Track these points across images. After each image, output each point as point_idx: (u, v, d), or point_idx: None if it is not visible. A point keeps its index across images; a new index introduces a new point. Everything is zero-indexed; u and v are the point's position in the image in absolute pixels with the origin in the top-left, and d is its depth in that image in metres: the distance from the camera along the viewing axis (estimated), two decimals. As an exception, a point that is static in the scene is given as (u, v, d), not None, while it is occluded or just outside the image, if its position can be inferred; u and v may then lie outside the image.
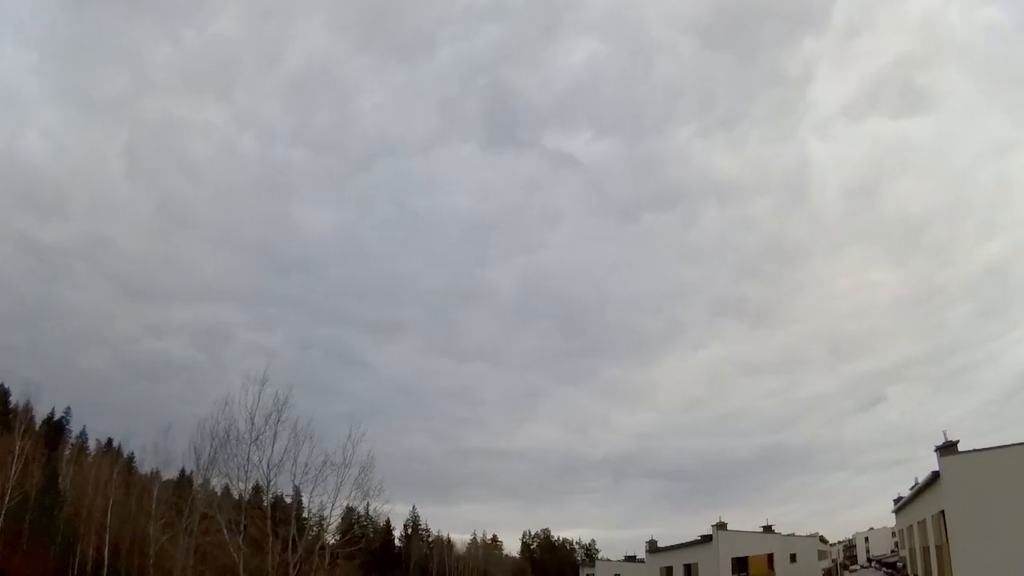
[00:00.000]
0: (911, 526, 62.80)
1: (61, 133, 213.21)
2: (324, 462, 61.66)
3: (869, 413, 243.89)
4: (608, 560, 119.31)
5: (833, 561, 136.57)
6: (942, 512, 45.38)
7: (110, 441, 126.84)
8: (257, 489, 62.31)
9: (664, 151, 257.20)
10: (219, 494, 64.45)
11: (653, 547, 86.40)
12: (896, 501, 76.17)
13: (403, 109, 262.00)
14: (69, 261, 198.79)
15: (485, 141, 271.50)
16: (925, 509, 51.53)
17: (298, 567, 57.47)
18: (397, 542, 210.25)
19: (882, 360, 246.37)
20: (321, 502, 63.06)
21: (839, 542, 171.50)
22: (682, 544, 77.41)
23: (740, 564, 69.62)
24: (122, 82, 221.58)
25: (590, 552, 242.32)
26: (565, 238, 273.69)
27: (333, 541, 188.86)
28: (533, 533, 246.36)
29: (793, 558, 75.05)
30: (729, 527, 70.85)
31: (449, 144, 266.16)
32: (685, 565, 75.96)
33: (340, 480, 60.93)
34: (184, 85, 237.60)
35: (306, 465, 59.67)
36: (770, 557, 71.39)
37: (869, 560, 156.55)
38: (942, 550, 46.46)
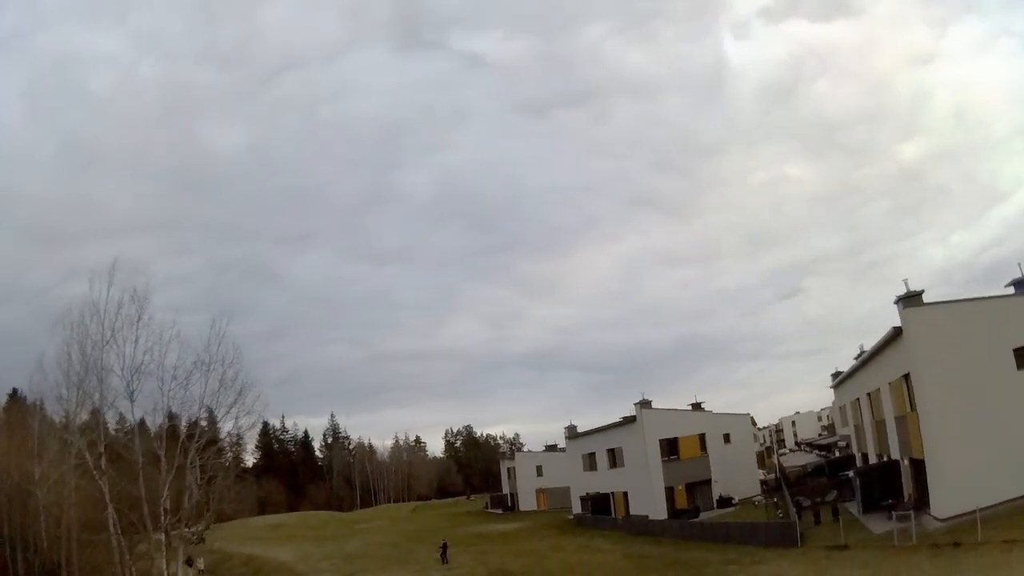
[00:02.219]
0: (857, 400, 56.59)
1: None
2: (195, 363, 50.89)
3: (787, 304, 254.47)
4: (528, 451, 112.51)
5: (761, 445, 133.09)
6: (906, 376, 38.37)
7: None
8: (171, 416, 52.01)
9: (576, 49, 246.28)
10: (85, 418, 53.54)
11: (573, 433, 79.41)
12: (835, 376, 70.48)
13: (308, 17, 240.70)
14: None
15: (394, 44, 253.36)
16: (880, 376, 44.55)
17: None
18: (318, 453, 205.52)
19: (799, 253, 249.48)
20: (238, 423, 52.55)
21: (764, 427, 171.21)
22: (604, 427, 70.25)
23: (669, 446, 62.74)
24: (11, 20, 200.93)
25: (514, 446, 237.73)
26: (476, 137, 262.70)
27: (253, 460, 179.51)
28: (456, 431, 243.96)
29: (727, 439, 68.52)
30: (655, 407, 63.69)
31: (357, 50, 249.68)
32: (609, 450, 69.03)
33: (206, 383, 50.01)
34: (79, 15, 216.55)
35: (175, 369, 49.13)
36: (702, 437, 64.63)
37: (798, 444, 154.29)
38: (906, 421, 39.42)
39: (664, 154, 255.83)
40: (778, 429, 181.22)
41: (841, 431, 76.33)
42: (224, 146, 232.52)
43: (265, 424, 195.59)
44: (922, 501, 36.30)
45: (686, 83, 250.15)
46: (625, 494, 65.69)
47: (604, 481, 70.03)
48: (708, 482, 63.55)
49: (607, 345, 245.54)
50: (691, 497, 62.46)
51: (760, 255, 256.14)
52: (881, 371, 43.81)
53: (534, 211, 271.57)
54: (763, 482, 73.07)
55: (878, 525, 37.56)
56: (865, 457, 55.11)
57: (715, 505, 62.43)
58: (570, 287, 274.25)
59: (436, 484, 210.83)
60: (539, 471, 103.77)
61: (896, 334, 37.58)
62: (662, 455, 61.84)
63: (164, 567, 46.80)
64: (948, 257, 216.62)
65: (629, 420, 64.31)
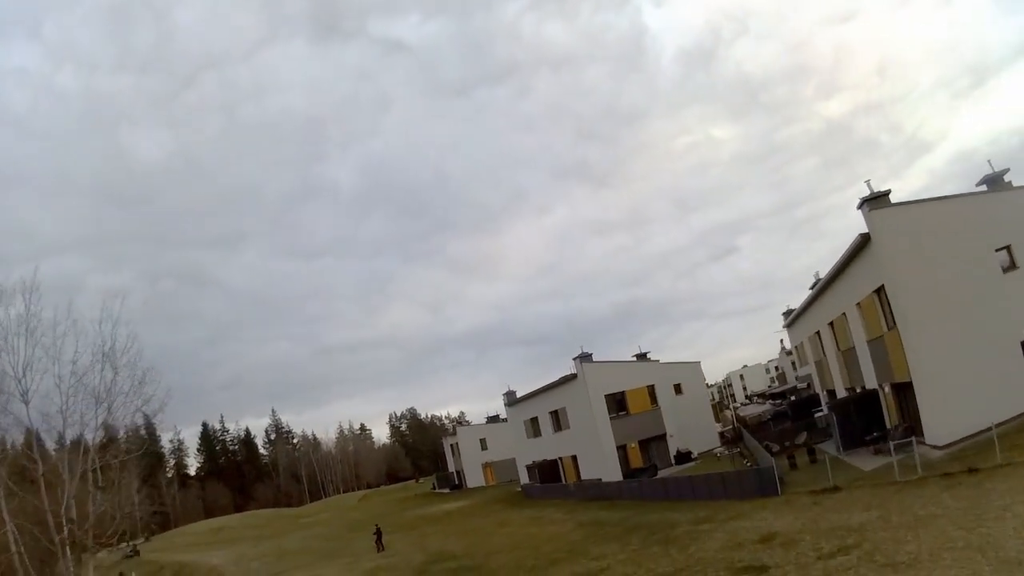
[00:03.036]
0: (817, 334, 51.73)
1: None
2: (102, 355, 44.56)
3: (722, 264, 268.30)
4: (469, 424, 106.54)
5: (712, 402, 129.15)
6: (878, 291, 33.03)
7: None
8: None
9: (494, 26, 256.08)
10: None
11: (512, 399, 73.29)
12: (786, 315, 65.91)
13: (224, 16, 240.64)
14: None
15: (311, 36, 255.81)
16: (844, 298, 39.40)
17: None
18: (263, 451, 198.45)
19: (729, 212, 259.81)
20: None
21: (713, 384, 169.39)
22: (544, 388, 64.14)
23: (617, 402, 56.98)
24: None
25: (460, 423, 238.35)
26: (399, 123, 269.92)
27: (198, 465, 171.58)
28: (399, 414, 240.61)
29: (678, 389, 63.35)
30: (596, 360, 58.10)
31: (275, 45, 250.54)
32: (551, 412, 63.16)
33: (101, 371, 43.58)
34: None
35: (73, 364, 42.80)
36: (651, 389, 58.79)
37: (748, 397, 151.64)
38: (883, 343, 34.22)
39: (588, 124, 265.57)
40: (727, 385, 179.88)
41: (801, 372, 71.58)
42: (148, 154, 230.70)
43: (205, 427, 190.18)
44: (912, 430, 31.00)
45: (606, 53, 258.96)
46: (574, 458, 59.98)
47: (550, 447, 64.27)
48: (663, 437, 57.99)
49: (546, 317, 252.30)
50: (646, 455, 56.83)
51: (691, 217, 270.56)
52: (847, 292, 38.56)
53: (462, 191, 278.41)
54: (721, 434, 68.30)
55: (866, 462, 32.26)
56: (832, 394, 50.34)
57: (673, 461, 56.98)
58: (504, 263, 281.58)
59: (385, 470, 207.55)
60: (483, 444, 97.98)
61: (863, 242, 32.24)
62: (609, 412, 56.11)
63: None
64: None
65: (570, 378, 58.41)
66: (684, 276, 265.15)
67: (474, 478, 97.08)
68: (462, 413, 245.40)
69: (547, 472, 63.30)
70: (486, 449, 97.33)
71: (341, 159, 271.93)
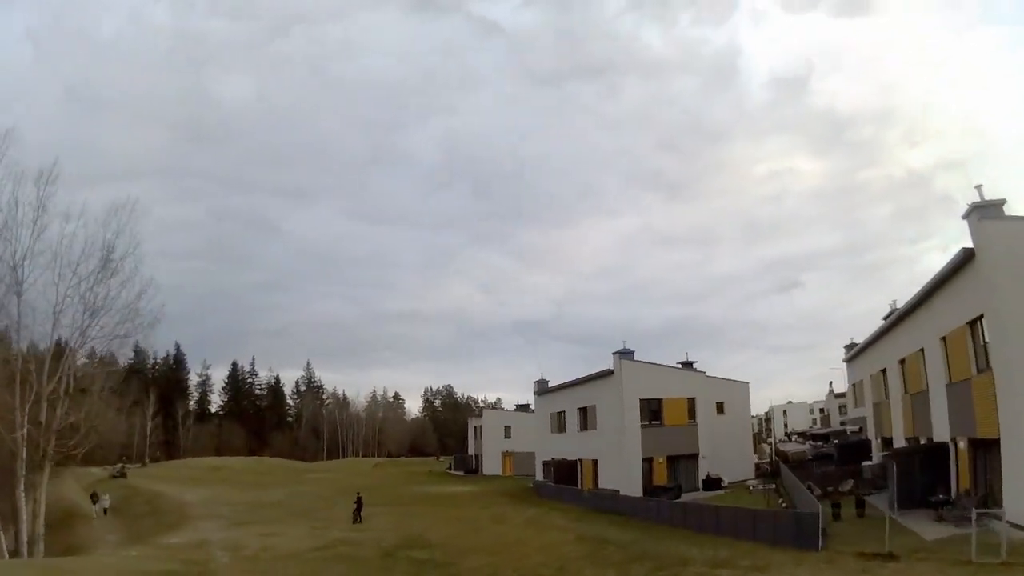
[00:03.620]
0: (882, 372, 46.16)
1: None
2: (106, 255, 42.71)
3: (782, 296, 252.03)
4: (496, 408, 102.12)
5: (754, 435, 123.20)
6: (975, 320, 27.65)
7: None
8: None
9: (592, 22, 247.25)
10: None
11: (543, 388, 68.84)
12: (848, 348, 60.47)
13: None
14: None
15: (406, 5, 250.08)
16: (926, 331, 33.88)
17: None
18: (289, 400, 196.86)
19: (798, 247, 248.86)
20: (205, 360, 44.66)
21: (753, 416, 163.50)
22: (577, 380, 59.55)
23: (652, 409, 52.13)
24: None
25: (495, 408, 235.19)
26: (484, 103, 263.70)
27: (221, 403, 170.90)
28: (435, 390, 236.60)
29: (721, 408, 58.30)
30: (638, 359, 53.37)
31: (369, 8, 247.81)
32: (580, 409, 58.67)
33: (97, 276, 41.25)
34: None
35: (76, 265, 41.09)
36: (691, 403, 53.73)
37: (788, 435, 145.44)
38: (969, 387, 28.66)
39: (670, 135, 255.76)
40: (768, 418, 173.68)
41: (853, 414, 65.72)
42: (231, 96, 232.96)
43: (235, 367, 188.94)
44: (986, 499, 25.80)
45: (699, 66, 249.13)
46: (595, 463, 55.35)
47: (573, 445, 59.72)
48: (695, 457, 53.02)
49: (598, 319, 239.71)
50: (673, 473, 51.96)
51: (758, 245, 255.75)
52: (930, 323, 33.02)
53: (537, 180, 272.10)
54: (757, 466, 63.00)
55: (926, 528, 26.97)
56: (887, 442, 44.81)
57: (701, 485, 52.08)
58: (566, 258, 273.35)
59: (409, 443, 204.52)
60: (507, 432, 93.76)
61: (965, 259, 26.70)
62: (642, 419, 51.34)
63: (21, 492, 38.99)
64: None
65: (605, 374, 53.73)
66: (742, 303, 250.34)
67: (492, 465, 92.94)
68: (499, 399, 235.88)
69: (564, 472, 58.64)
70: (509, 437, 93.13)
71: (421, 130, 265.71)
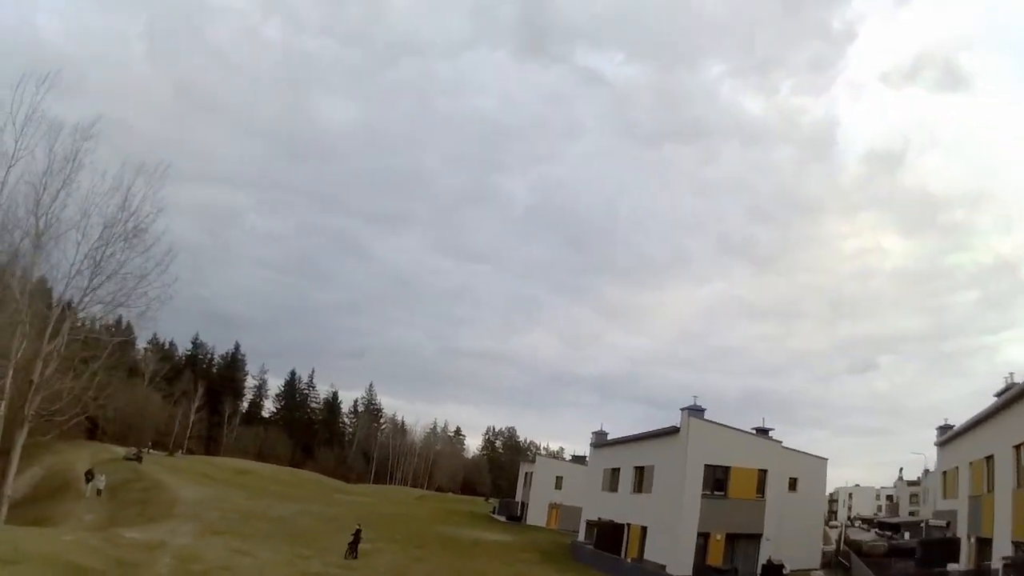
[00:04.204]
0: (987, 459, 39.81)
1: (78, 13, 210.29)
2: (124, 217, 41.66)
3: (858, 378, 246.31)
4: (551, 456, 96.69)
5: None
6: None
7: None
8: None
9: (693, 85, 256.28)
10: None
11: (600, 439, 63.53)
12: (942, 430, 53.90)
13: (435, 9, 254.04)
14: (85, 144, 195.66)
15: (516, 49, 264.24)
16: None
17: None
18: (345, 419, 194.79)
19: (879, 328, 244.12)
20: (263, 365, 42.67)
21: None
22: (636, 436, 54.04)
23: (717, 478, 45.98)
24: None
25: (555, 457, 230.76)
26: (583, 154, 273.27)
27: (273, 409, 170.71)
28: (497, 430, 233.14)
29: (793, 485, 52.06)
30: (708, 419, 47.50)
31: (479, 49, 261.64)
32: (636, 468, 52.76)
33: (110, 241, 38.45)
34: None
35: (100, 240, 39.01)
36: (761, 475, 47.56)
37: (851, 520, 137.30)
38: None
39: (763, 204, 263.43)
40: (831, 500, 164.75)
41: (941, 505, 58.34)
42: (334, 118, 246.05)
43: (292, 375, 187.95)
44: None
45: (796, 136, 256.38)
46: (644, 530, 49.08)
47: (622, 507, 53.67)
48: (757, 538, 46.58)
49: (674, 383, 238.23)
50: (730, 553, 45.72)
51: (840, 322, 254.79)
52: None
53: (628, 238, 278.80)
54: (824, 554, 56.48)
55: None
56: (984, 542, 38.33)
57: (759, 571, 46.01)
58: (650, 320, 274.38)
59: (462, 479, 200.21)
60: (558, 483, 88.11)
61: None
62: (704, 487, 45.15)
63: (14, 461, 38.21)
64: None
65: (670, 431, 47.72)
66: (818, 381, 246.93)
67: (537, 515, 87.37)
68: (561, 448, 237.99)
69: (607, 537, 52.21)
70: (559, 488, 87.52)
71: (519, 174, 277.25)
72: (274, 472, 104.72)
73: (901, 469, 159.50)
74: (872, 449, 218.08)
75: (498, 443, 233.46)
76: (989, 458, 38.79)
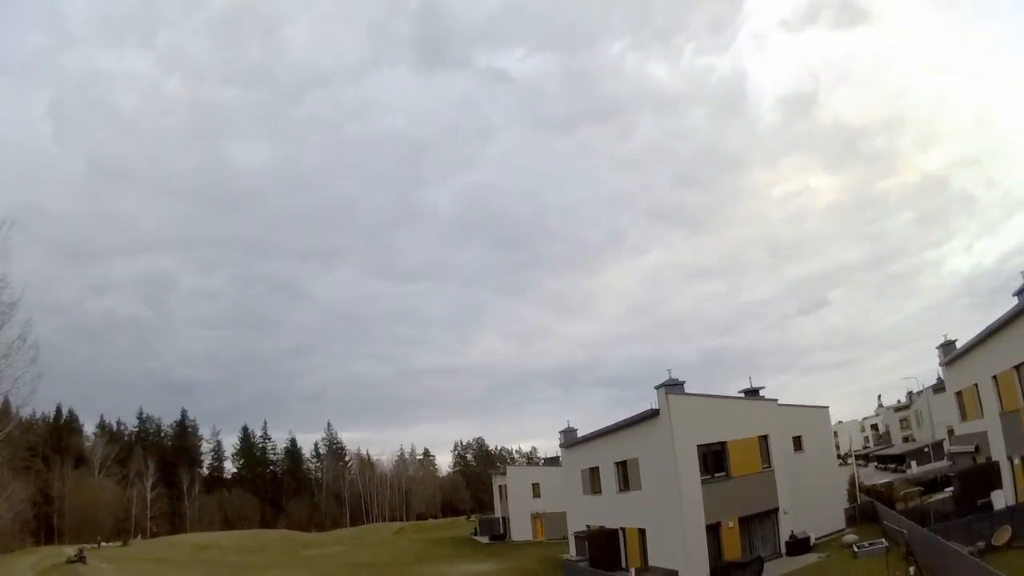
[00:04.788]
0: (1016, 368, 33.59)
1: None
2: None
3: (812, 316, 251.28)
4: (521, 465, 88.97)
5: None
6: None
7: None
8: None
9: (598, 64, 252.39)
10: None
11: (570, 439, 56.04)
12: (945, 347, 47.76)
13: (332, 37, 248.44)
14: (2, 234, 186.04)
15: (417, 63, 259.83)
16: None
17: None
18: (310, 464, 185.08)
19: (823, 265, 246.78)
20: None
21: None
22: (610, 428, 46.36)
23: (714, 456, 38.66)
24: (38, 39, 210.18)
25: (531, 460, 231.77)
26: (501, 154, 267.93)
27: (235, 470, 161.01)
28: (465, 443, 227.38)
29: (798, 444, 45.31)
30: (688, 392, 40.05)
31: (381, 68, 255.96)
32: (618, 464, 44.98)
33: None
34: (103, 35, 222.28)
35: None
36: (763, 442, 40.60)
37: (842, 457, 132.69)
38: None
39: (688, 168, 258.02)
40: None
41: (962, 429, 51.77)
42: (250, 163, 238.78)
43: (246, 431, 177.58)
44: None
45: (708, 96, 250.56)
46: (641, 533, 41.42)
47: (611, 510, 46.18)
48: (773, 514, 39.80)
49: (633, 359, 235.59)
50: (747, 539, 38.66)
51: (784, 267, 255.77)
52: None
53: (560, 227, 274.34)
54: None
55: None
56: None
57: (784, 550, 39.20)
58: (596, 302, 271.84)
59: (440, 501, 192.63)
60: (535, 491, 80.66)
61: None
62: (702, 471, 37.62)
63: None
64: (974, 266, 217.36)
65: (648, 415, 39.78)
66: (773, 327, 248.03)
67: (521, 529, 79.94)
68: (534, 448, 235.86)
69: (602, 547, 44.30)
70: (538, 496, 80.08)
71: (441, 185, 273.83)
72: (237, 540, 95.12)
73: (880, 396, 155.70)
74: (840, 382, 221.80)
75: (469, 456, 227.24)
76: (1018, 367, 32.72)
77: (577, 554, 45.66)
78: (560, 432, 57.91)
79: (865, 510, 48.66)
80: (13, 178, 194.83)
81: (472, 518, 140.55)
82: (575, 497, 53.54)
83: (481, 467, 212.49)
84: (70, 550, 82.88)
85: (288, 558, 77.13)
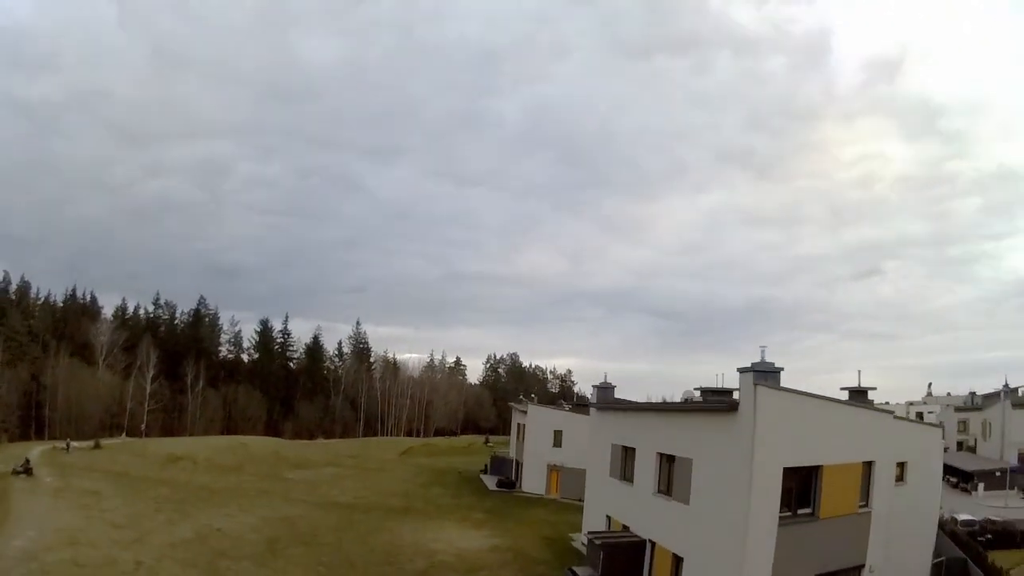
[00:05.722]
0: None
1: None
2: None
3: (863, 283, 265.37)
4: (544, 407, 77.81)
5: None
6: None
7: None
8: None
9: None
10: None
11: (606, 398, 45.30)
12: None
13: None
14: (62, 115, 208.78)
15: None
16: None
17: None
18: (332, 362, 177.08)
19: (882, 233, 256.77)
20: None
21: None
22: (663, 405, 35.64)
23: (799, 486, 27.01)
24: None
25: (565, 383, 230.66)
26: (573, 73, 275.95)
27: (248, 361, 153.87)
28: (499, 357, 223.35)
29: (901, 474, 34.36)
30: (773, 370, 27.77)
31: None
32: (663, 457, 33.45)
33: None
34: None
35: None
36: (867, 470, 29.39)
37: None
38: None
39: (760, 113, 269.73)
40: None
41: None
42: (317, 57, 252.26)
43: (264, 325, 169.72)
44: None
45: (790, 45, 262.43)
46: (677, 561, 30.34)
47: (643, 514, 35.13)
48: (855, 573, 28.89)
49: (679, 294, 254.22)
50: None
51: (843, 229, 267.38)
52: None
53: (624, 152, 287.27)
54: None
55: None
56: None
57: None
58: (650, 231, 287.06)
59: (463, 416, 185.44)
60: (556, 439, 70.50)
61: None
62: (784, 506, 26.21)
63: None
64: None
65: (724, 407, 28.66)
66: (822, 286, 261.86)
67: (534, 480, 70.26)
68: (569, 371, 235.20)
69: (620, 565, 32.91)
70: (559, 446, 70.05)
71: (510, 95, 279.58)
72: (216, 452, 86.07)
73: (930, 385, 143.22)
74: (877, 354, 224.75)
75: (501, 370, 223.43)
76: None
77: (589, 564, 34.78)
78: (594, 386, 47.19)
79: (954, 570, 37.66)
80: (77, 62, 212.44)
81: (491, 443, 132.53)
82: (599, 475, 42.92)
83: (512, 383, 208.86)
84: (36, 450, 76.06)
85: (263, 483, 68.23)
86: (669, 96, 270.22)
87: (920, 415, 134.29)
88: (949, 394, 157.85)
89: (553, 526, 51.80)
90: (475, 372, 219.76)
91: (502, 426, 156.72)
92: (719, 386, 35.71)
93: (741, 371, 26.68)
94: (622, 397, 47.63)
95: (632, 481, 36.85)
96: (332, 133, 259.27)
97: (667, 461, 32.84)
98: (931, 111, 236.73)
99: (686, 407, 31.73)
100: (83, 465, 68.56)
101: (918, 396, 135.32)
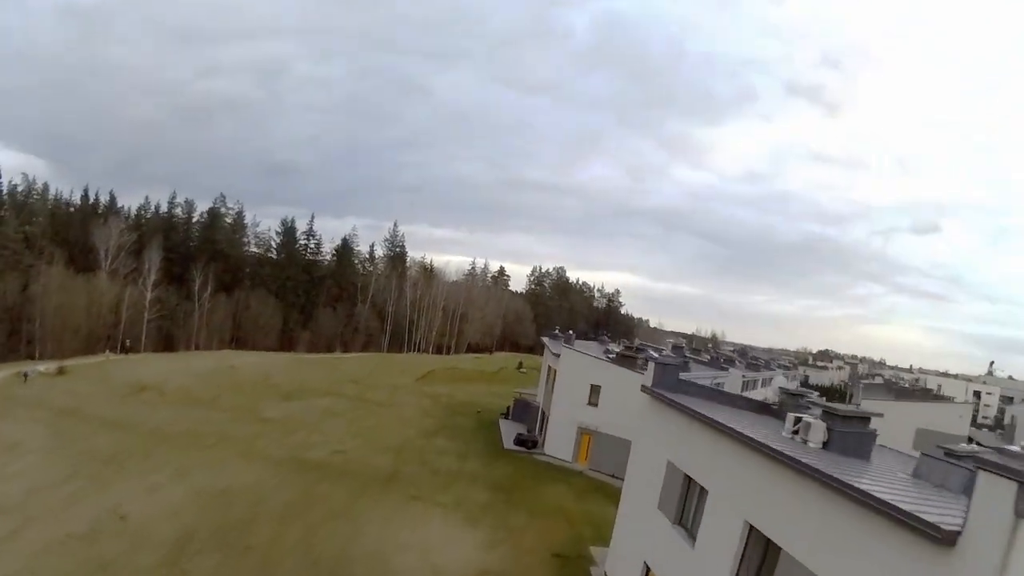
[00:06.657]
0: None
1: None
2: None
3: (922, 239, 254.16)
4: (584, 353, 61.87)
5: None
6: None
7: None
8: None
9: None
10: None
11: (665, 384, 28.83)
12: None
13: None
14: (114, 18, 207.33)
15: None
16: None
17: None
18: (361, 267, 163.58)
19: (946, 192, 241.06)
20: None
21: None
22: (765, 448, 19.34)
23: None
24: None
25: (612, 302, 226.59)
26: None
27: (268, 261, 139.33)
28: (544, 270, 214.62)
29: None
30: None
31: None
32: (760, 537, 18.09)
33: None
34: None
35: None
36: None
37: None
38: None
39: (836, 50, 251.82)
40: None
41: None
42: None
43: (284, 225, 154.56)
44: None
45: None
46: None
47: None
48: None
49: (736, 222, 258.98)
50: None
51: (907, 179, 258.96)
52: None
53: (694, 74, 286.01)
54: None
55: None
56: None
57: None
58: (713, 156, 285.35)
59: (500, 331, 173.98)
60: (592, 395, 56.52)
61: None
62: None
63: None
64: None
65: (928, 530, 13.35)
66: (880, 235, 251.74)
67: (559, 442, 56.87)
68: (617, 291, 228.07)
69: None
70: (594, 405, 56.15)
71: (581, 7, 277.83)
72: (192, 378, 72.77)
73: (992, 364, 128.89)
74: (925, 312, 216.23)
75: (546, 284, 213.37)
76: None
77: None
78: (652, 362, 32.20)
79: None
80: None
81: (524, 369, 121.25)
82: (640, 499, 28.19)
83: (556, 299, 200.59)
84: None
85: (231, 425, 54.91)
86: (744, 22, 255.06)
87: (977, 394, 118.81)
88: (1011, 377, 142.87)
89: (572, 526, 38.86)
90: (519, 283, 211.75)
91: (539, 348, 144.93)
92: (853, 410, 20.62)
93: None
94: (684, 350, 33.17)
95: (693, 536, 22.56)
96: (394, 36, 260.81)
97: (761, 543, 18.28)
98: (1011, 67, 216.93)
99: (836, 482, 16.09)
100: (30, 400, 56.47)
101: (967, 365, 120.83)
